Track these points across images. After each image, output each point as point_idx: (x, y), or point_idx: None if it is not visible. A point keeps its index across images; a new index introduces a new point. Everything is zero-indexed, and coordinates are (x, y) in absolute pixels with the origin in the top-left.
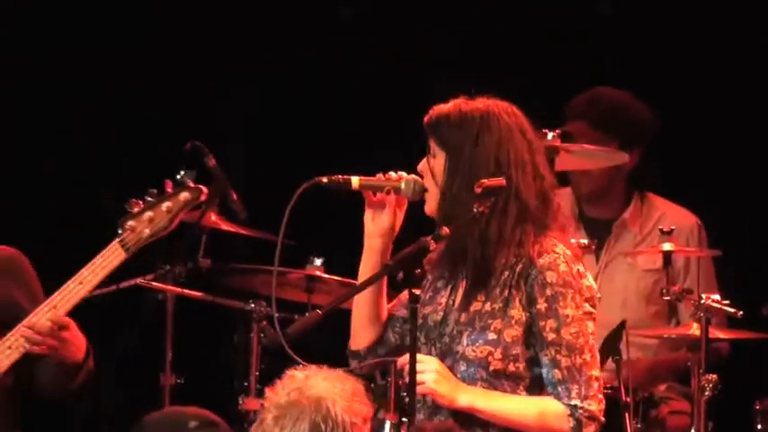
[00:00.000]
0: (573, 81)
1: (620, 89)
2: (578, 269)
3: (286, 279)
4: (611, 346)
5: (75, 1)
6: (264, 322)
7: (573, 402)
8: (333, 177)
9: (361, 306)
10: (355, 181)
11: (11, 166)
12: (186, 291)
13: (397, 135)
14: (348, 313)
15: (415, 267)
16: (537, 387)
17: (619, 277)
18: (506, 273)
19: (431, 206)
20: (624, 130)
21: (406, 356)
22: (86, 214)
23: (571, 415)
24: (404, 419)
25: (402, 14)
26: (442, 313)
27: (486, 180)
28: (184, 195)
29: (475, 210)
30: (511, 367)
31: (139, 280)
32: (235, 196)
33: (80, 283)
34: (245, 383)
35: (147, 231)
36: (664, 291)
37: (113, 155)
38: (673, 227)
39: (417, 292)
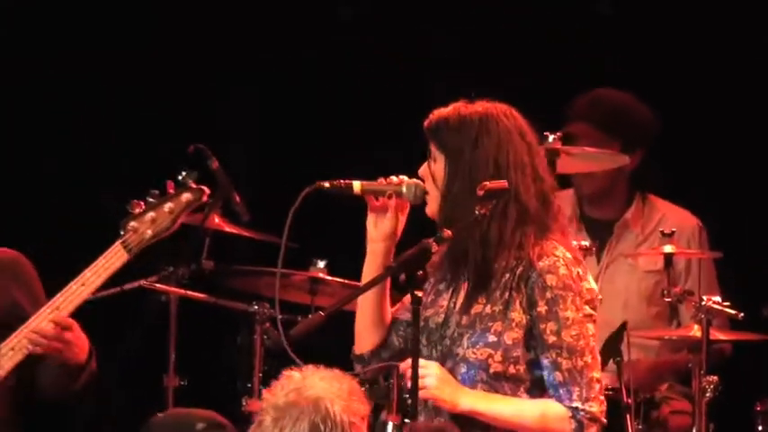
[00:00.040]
0: (573, 81)
1: (621, 90)
2: (578, 272)
3: (289, 281)
4: (612, 348)
5: (75, 1)
6: (267, 324)
7: (574, 404)
8: (334, 182)
9: (364, 310)
10: (357, 185)
11: (11, 166)
12: (189, 292)
13: (397, 135)
14: (351, 315)
15: (417, 269)
16: (537, 389)
17: (620, 278)
18: (507, 275)
19: (432, 209)
20: (626, 132)
21: (409, 361)
22: (86, 214)
23: (573, 417)
24: (406, 421)
25: (402, 14)
26: (443, 316)
27: (487, 183)
28: (186, 196)
29: (477, 212)
30: (511, 369)
31: (143, 282)
32: (238, 198)
33: (82, 284)
34: (249, 385)
35: (149, 232)
36: (665, 292)
37: (113, 155)
38: (674, 228)
39: (419, 293)
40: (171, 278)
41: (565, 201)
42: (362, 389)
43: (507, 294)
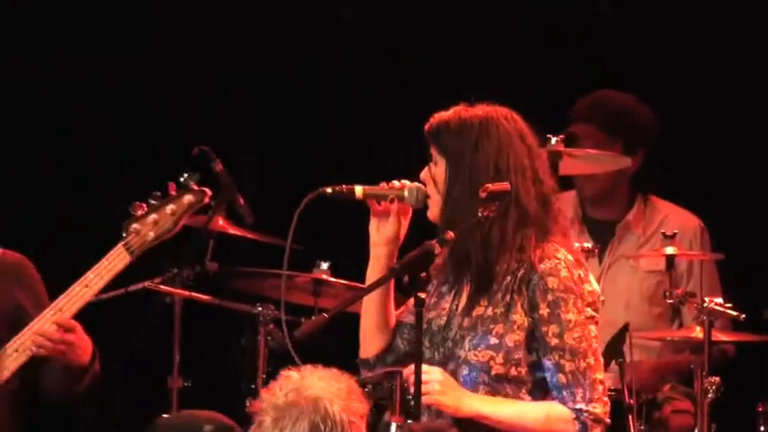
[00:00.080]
0: (573, 81)
1: (622, 91)
2: (580, 274)
3: (293, 282)
4: (614, 349)
5: (75, 1)
6: (271, 325)
7: (578, 406)
8: (337, 187)
9: (369, 314)
10: (359, 190)
11: (11, 166)
12: (194, 294)
13: (396, 135)
14: (354, 317)
15: (420, 271)
16: (539, 391)
17: (622, 279)
18: (508, 278)
19: (434, 213)
20: (628, 133)
21: (412, 367)
22: (86, 214)
23: (576, 418)
24: (409, 422)
25: (402, 14)
26: (445, 318)
27: (490, 185)
28: (188, 198)
29: (479, 214)
30: (513, 371)
31: (147, 283)
32: (242, 201)
33: (85, 286)
34: (252, 386)
35: (151, 234)
36: (667, 294)
37: (113, 155)
38: (676, 230)
39: (422, 295)
40: (175, 280)
41: (567, 202)
42: (366, 389)
43: (509, 297)
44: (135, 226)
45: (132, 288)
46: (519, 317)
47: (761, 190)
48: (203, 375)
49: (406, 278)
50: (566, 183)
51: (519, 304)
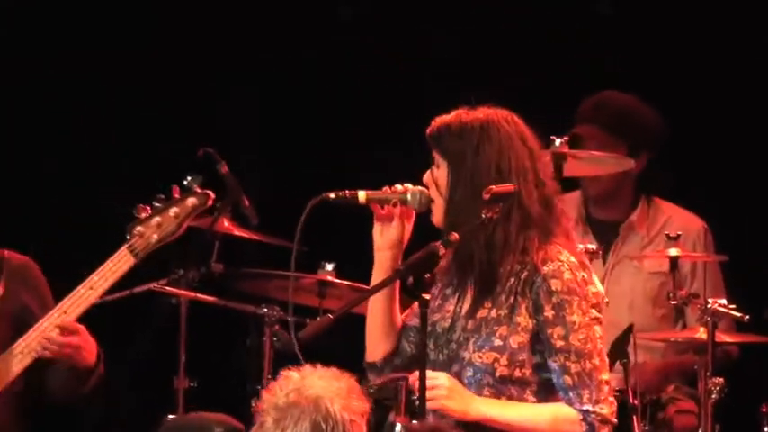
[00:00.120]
0: (573, 81)
1: (623, 91)
2: (583, 276)
3: (298, 284)
4: (618, 350)
5: (75, 1)
6: (277, 326)
7: (585, 407)
8: (340, 193)
9: (375, 317)
10: (362, 195)
11: (11, 166)
12: (199, 295)
13: (396, 135)
14: (359, 318)
15: (425, 272)
16: (544, 391)
17: (625, 279)
18: (512, 279)
19: (437, 217)
20: (633, 134)
21: (417, 374)
22: (86, 214)
23: (584, 419)
24: (414, 422)
25: (402, 14)
26: (449, 320)
27: (494, 186)
28: (192, 201)
29: (483, 215)
30: (517, 373)
31: (153, 285)
32: (247, 202)
33: (90, 288)
34: (258, 387)
35: (155, 237)
36: (670, 295)
37: (113, 155)
38: (679, 231)
39: (427, 296)
40: (181, 281)
41: (571, 203)
42: (370, 389)
43: (512, 299)
44: (139, 229)
45: (138, 289)
46: (523, 319)
47: (764, 191)
48: (209, 376)
49: (410, 280)
50: (570, 184)
51: (523, 306)
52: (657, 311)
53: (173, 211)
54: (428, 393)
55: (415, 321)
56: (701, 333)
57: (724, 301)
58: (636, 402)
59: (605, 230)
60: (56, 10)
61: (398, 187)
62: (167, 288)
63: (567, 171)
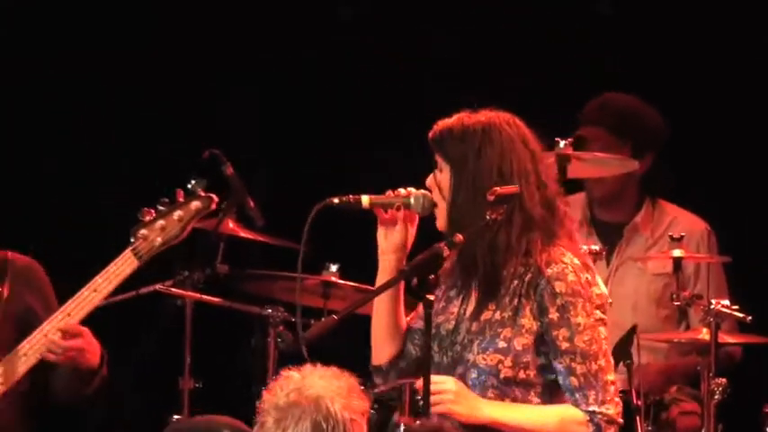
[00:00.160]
0: (573, 81)
1: (626, 93)
2: (587, 278)
3: (302, 285)
4: (622, 351)
5: (75, 1)
6: (281, 327)
7: (591, 408)
8: (343, 198)
9: (380, 320)
10: (365, 200)
11: (11, 166)
12: (204, 296)
13: (397, 135)
14: (363, 319)
15: (429, 273)
16: (548, 393)
17: (629, 281)
18: (515, 282)
19: (441, 220)
20: (637, 135)
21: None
22: (86, 214)
23: (590, 420)
24: (418, 423)
25: (402, 14)
26: (453, 322)
27: (498, 188)
28: (195, 204)
29: (488, 217)
30: (521, 374)
31: (158, 286)
32: (252, 204)
33: (94, 290)
34: (263, 387)
35: (159, 240)
36: (674, 296)
37: (113, 155)
38: (683, 233)
39: (431, 297)
40: (186, 282)
41: (576, 204)
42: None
43: (516, 301)
44: (143, 231)
45: (143, 290)
46: (527, 321)
47: (766, 192)
48: (214, 377)
49: (414, 281)
50: (575, 185)
51: (527, 308)
52: (661, 313)
53: (176, 214)
54: (435, 398)
55: (420, 324)
56: (704, 334)
57: (727, 302)
58: (639, 403)
59: (610, 232)
60: (56, 10)
61: (401, 191)
62: (172, 289)
63: (571, 172)
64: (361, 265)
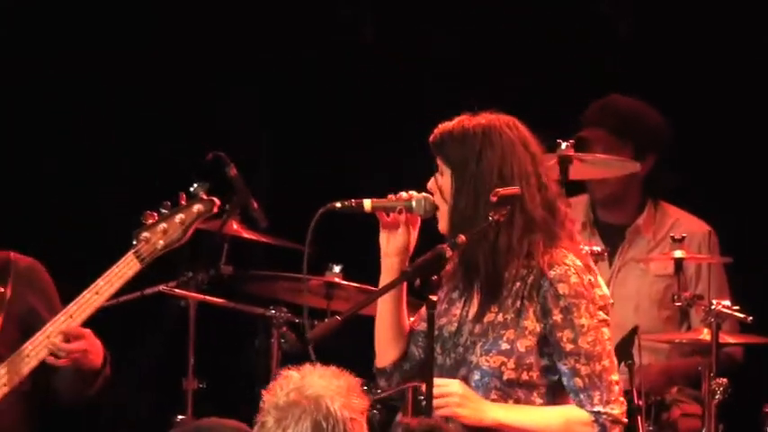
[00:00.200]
0: (573, 81)
1: (626, 93)
2: (590, 279)
3: (306, 285)
4: (623, 351)
5: (75, 1)
6: (285, 328)
7: (596, 408)
8: (346, 202)
9: (383, 323)
10: (367, 204)
11: (11, 166)
12: (208, 297)
13: (397, 135)
14: (367, 320)
15: (432, 274)
16: (551, 394)
17: (631, 282)
18: (518, 284)
19: (443, 223)
20: (639, 136)
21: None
22: (86, 214)
23: (596, 421)
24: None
25: (402, 14)
26: (456, 324)
27: (500, 189)
28: (197, 207)
29: (491, 218)
30: (524, 376)
31: (162, 287)
32: (255, 205)
33: (96, 293)
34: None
35: (161, 243)
36: (675, 297)
37: (113, 155)
38: (684, 234)
39: (434, 298)
40: (190, 283)
41: (578, 206)
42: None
43: (519, 303)
44: (145, 234)
45: (148, 291)
46: (530, 323)
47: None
48: (218, 377)
49: (417, 281)
50: (578, 187)
51: (530, 310)
52: (663, 314)
53: (178, 217)
54: (441, 401)
55: (423, 326)
56: (705, 334)
57: (728, 303)
58: (640, 403)
59: (612, 233)
60: (56, 10)
61: (403, 194)
62: (177, 290)
63: (572, 174)
64: (365, 265)
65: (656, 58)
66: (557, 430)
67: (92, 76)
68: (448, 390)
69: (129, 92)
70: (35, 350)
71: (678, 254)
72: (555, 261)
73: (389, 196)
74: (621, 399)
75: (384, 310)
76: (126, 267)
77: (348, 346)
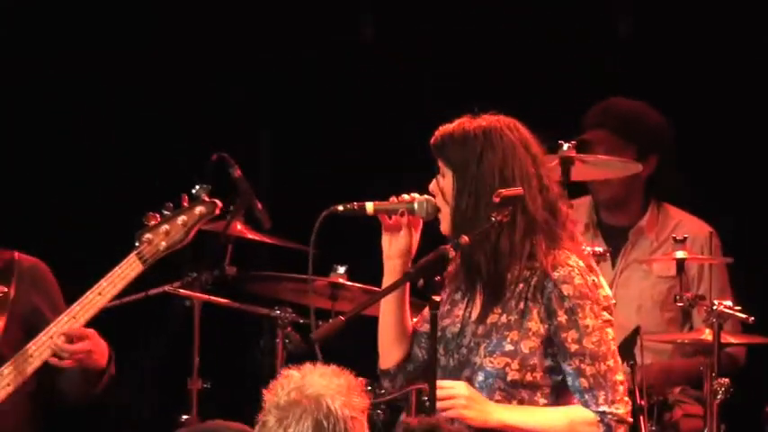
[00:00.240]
0: (573, 81)
1: (630, 96)
2: (593, 280)
3: (311, 286)
4: (626, 352)
5: (75, 1)
6: (289, 328)
7: (601, 408)
8: (348, 205)
9: (386, 324)
10: (370, 206)
11: (11, 166)
12: (213, 298)
13: (396, 135)
14: (371, 320)
15: (435, 275)
16: (555, 394)
17: (634, 283)
18: (521, 285)
19: (445, 225)
20: (641, 137)
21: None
22: (86, 214)
23: (601, 421)
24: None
25: (402, 14)
26: (459, 325)
27: (503, 190)
28: (200, 209)
29: (494, 218)
30: (528, 377)
31: (167, 287)
32: (260, 206)
33: (99, 293)
34: None
35: (163, 244)
36: (677, 297)
37: (113, 155)
38: (686, 235)
39: (437, 299)
40: (195, 284)
41: (581, 208)
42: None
43: (522, 304)
44: (147, 236)
45: (153, 292)
46: (534, 324)
47: None
48: (223, 377)
49: (420, 282)
50: (581, 188)
51: (534, 311)
52: (665, 315)
53: (181, 219)
54: (447, 402)
55: (426, 327)
56: (707, 335)
57: (730, 303)
58: (643, 403)
59: (615, 235)
60: (56, 10)
61: (405, 197)
62: (181, 290)
63: (574, 175)
64: (369, 266)
65: (656, 58)
66: (561, 431)
67: (92, 76)
68: (454, 392)
69: (129, 92)
70: (38, 350)
71: (680, 254)
72: (558, 262)
73: (391, 198)
74: (626, 398)
75: (387, 312)
76: (128, 268)
77: (353, 347)
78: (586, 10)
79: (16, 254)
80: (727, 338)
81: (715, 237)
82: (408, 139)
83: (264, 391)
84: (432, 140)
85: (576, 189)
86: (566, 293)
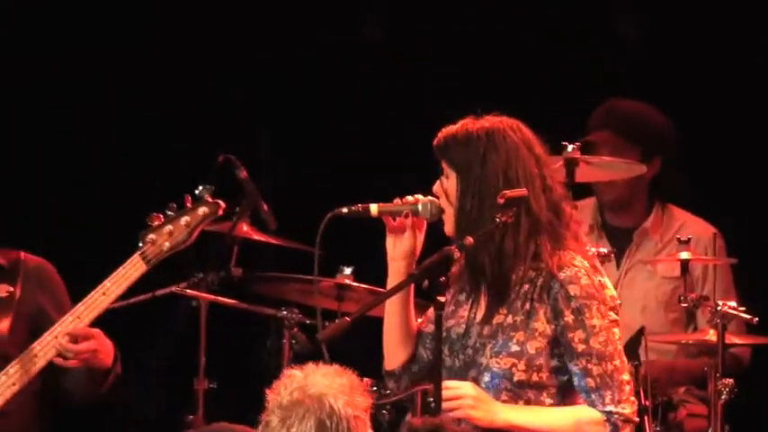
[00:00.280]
0: (573, 82)
1: (632, 97)
2: (600, 280)
3: (317, 287)
4: (630, 352)
5: (75, 1)
6: (296, 329)
7: (608, 408)
8: (352, 207)
9: (391, 325)
10: (374, 208)
11: (11, 166)
12: (219, 298)
13: (397, 135)
14: (377, 321)
15: (439, 275)
16: (561, 394)
17: (639, 284)
18: (526, 286)
19: (449, 226)
20: (645, 138)
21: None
22: (87, 215)
23: (607, 420)
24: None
25: (402, 15)
26: (464, 326)
27: (508, 191)
28: (203, 210)
29: (498, 219)
30: (534, 377)
31: (174, 288)
32: (265, 207)
33: (103, 294)
34: None
35: (166, 245)
36: (681, 298)
37: (113, 155)
38: (690, 236)
39: (442, 299)
40: (201, 284)
41: (586, 209)
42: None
43: (528, 305)
44: (151, 236)
45: (159, 292)
46: (541, 324)
47: None
48: (229, 378)
49: (425, 283)
50: (586, 190)
51: (540, 312)
52: (670, 315)
53: (184, 219)
54: (453, 403)
55: (431, 328)
56: (711, 335)
57: (734, 304)
58: (647, 403)
59: (620, 236)
60: (56, 10)
61: (409, 198)
62: (188, 291)
63: (579, 177)
64: (376, 267)
65: (656, 58)
66: (568, 430)
67: (92, 76)
68: (461, 392)
69: (129, 92)
70: (44, 350)
71: (684, 255)
72: (564, 263)
73: (396, 200)
74: (633, 398)
75: (392, 313)
76: (132, 269)
77: (358, 347)
78: (587, 10)
79: (22, 254)
80: (732, 339)
81: (719, 237)
82: (409, 139)
83: (267, 391)
84: (435, 142)
85: (580, 190)
86: (572, 294)
